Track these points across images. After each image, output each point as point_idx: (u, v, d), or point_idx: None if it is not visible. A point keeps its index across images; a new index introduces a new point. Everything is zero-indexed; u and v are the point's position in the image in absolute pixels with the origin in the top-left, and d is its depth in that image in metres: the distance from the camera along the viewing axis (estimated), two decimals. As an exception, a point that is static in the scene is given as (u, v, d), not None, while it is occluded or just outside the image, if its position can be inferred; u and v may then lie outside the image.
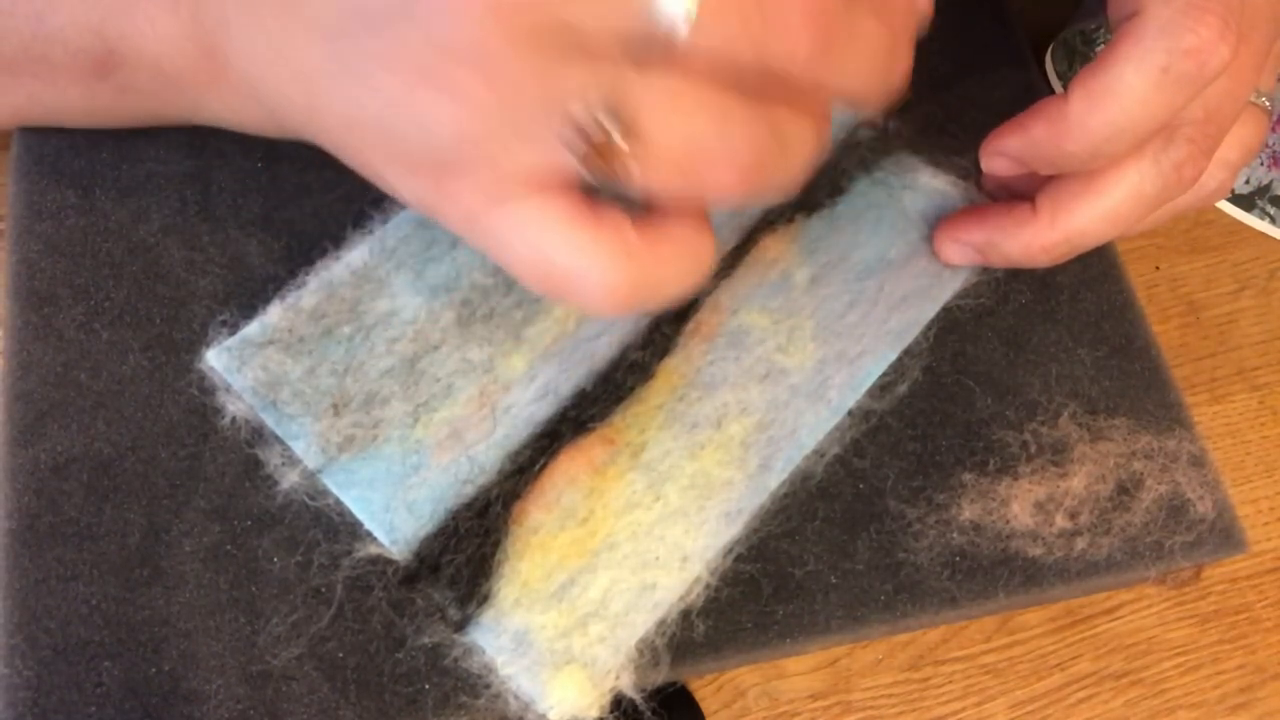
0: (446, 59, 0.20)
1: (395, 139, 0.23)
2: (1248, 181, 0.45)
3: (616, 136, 0.20)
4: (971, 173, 0.36)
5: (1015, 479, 0.33)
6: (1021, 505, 0.32)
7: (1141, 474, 0.33)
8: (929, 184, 0.36)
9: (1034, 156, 0.30)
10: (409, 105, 0.21)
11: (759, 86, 0.21)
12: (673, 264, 0.23)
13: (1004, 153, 0.31)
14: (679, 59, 0.20)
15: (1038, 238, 0.31)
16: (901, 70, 0.23)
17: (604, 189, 0.22)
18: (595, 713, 0.27)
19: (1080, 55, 0.45)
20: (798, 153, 0.22)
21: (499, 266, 0.32)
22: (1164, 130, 0.29)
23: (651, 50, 0.19)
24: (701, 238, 0.24)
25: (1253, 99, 0.31)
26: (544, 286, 0.23)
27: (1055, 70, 0.45)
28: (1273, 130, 0.44)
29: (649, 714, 0.28)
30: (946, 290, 0.34)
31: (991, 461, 0.33)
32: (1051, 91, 0.44)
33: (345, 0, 0.22)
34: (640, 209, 0.23)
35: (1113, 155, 0.29)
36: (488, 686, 0.28)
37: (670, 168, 0.21)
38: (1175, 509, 0.33)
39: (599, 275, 0.22)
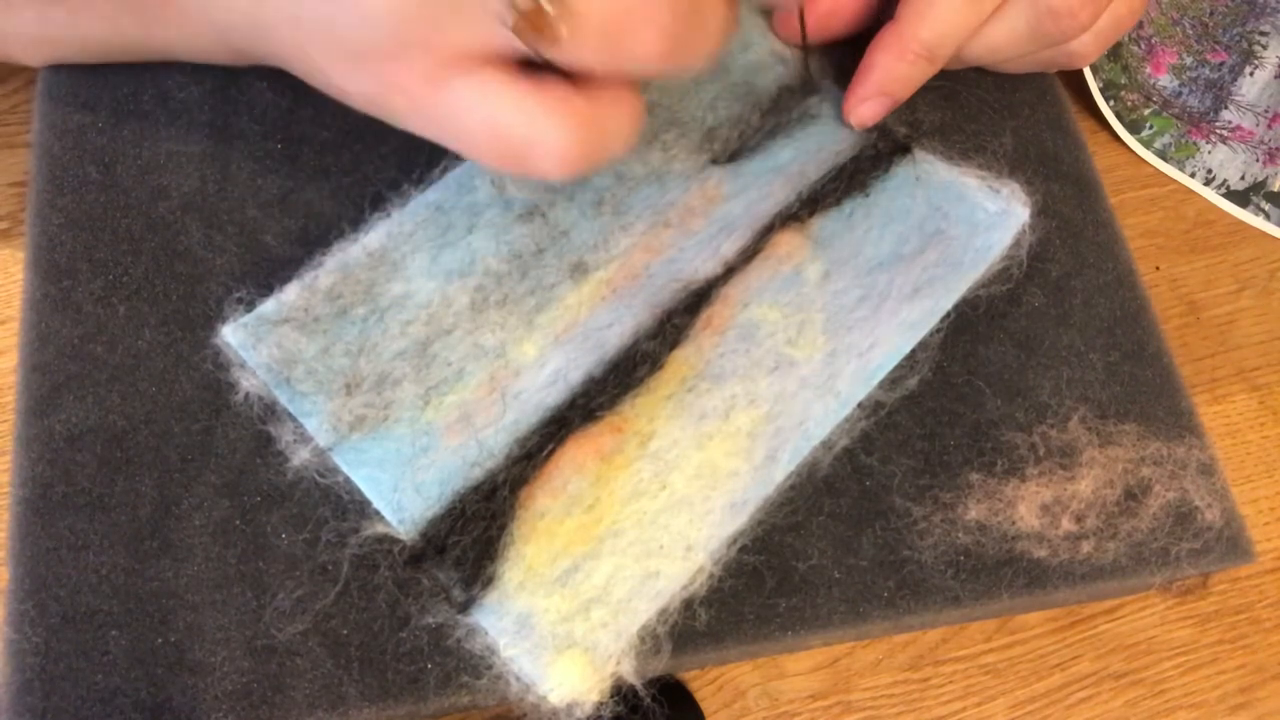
0: None
1: (336, 32, 0.24)
2: (1243, 177, 0.45)
3: (547, 4, 0.21)
4: (988, 176, 0.36)
5: (1023, 481, 0.32)
6: (1028, 507, 0.32)
7: (1150, 480, 0.33)
8: (945, 177, 0.36)
9: (888, 81, 0.35)
10: None
11: None
12: (614, 123, 0.25)
13: (865, 96, 0.35)
14: None
15: (907, 39, 0.34)
16: None
17: (539, 60, 0.23)
18: (595, 697, 0.27)
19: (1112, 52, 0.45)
20: (715, 25, 0.23)
21: (513, 254, 0.33)
22: None
23: None
24: (634, 97, 0.25)
25: None
26: (501, 159, 0.24)
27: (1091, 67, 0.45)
28: (1269, 127, 0.44)
29: (648, 700, 0.28)
30: (962, 283, 0.34)
31: (999, 462, 0.33)
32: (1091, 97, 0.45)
33: None
34: (572, 78, 0.24)
35: (945, 57, 0.34)
36: (490, 668, 0.28)
37: (597, 32, 0.22)
38: (1183, 516, 0.33)
39: (554, 139, 0.23)
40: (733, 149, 0.35)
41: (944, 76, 0.37)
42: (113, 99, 0.34)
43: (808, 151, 0.36)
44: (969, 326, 0.35)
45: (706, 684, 0.34)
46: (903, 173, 0.36)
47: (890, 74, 0.35)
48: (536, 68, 0.24)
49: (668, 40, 0.22)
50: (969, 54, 0.36)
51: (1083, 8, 0.34)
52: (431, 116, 0.24)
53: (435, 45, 0.23)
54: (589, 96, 0.24)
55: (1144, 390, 0.35)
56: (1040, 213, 0.36)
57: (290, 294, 0.31)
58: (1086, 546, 0.32)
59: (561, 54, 0.23)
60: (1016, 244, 0.35)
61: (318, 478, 0.29)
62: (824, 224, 0.35)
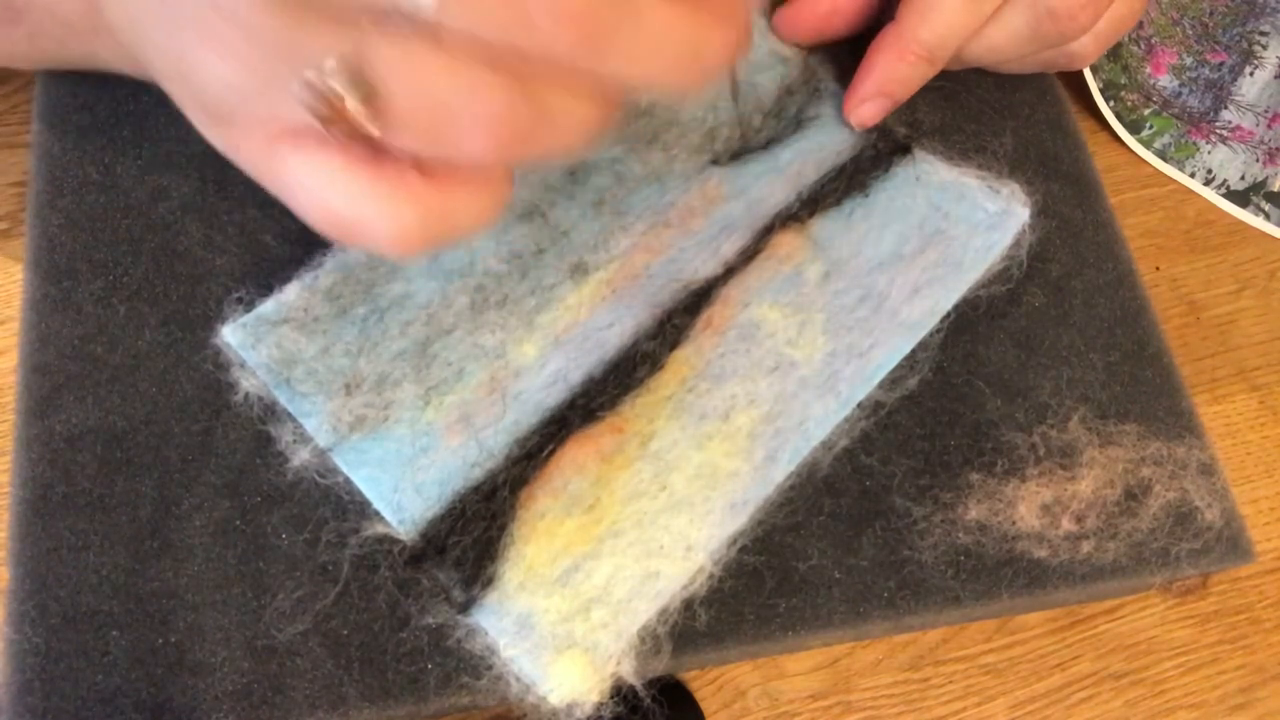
0: (218, 14, 0.21)
1: (190, 88, 0.24)
2: (1243, 178, 0.45)
3: (351, 101, 0.21)
4: (988, 177, 0.36)
5: (1023, 481, 0.32)
6: (1028, 507, 0.32)
7: (1150, 480, 0.33)
8: (945, 177, 0.36)
9: (888, 81, 0.35)
10: (193, 57, 0.22)
11: (522, 66, 0.21)
12: (460, 204, 0.23)
13: (865, 96, 0.35)
14: (431, 32, 0.20)
15: (908, 40, 0.34)
16: (717, 52, 0.22)
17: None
18: (595, 697, 0.27)
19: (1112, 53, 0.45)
20: (566, 126, 0.22)
21: (513, 254, 0.33)
22: None
23: (399, 22, 0.20)
24: (489, 178, 0.24)
25: None
26: (334, 234, 0.24)
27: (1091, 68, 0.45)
28: (1269, 127, 0.44)
29: (649, 701, 0.28)
30: (962, 283, 0.34)
31: (1000, 462, 0.33)
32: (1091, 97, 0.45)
33: None
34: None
35: (945, 58, 0.35)
36: (490, 668, 0.28)
37: (413, 130, 0.21)
38: (1183, 516, 0.33)
39: (385, 220, 0.22)
40: (733, 149, 0.35)
41: (944, 77, 0.37)
42: (112, 100, 0.34)
43: (808, 152, 0.36)
44: (969, 326, 0.35)
45: (706, 684, 0.34)
46: (903, 173, 0.36)
47: (890, 74, 0.35)
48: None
49: (498, 137, 0.21)
50: (969, 55, 0.36)
51: (1083, 9, 0.34)
52: (271, 185, 0.24)
53: (266, 119, 0.22)
54: (432, 178, 0.23)
55: (1144, 390, 0.35)
56: (1040, 213, 0.36)
57: (290, 294, 0.31)
58: (1087, 546, 0.32)
59: (385, 142, 0.22)
60: (1016, 244, 0.35)
61: (318, 478, 0.29)
62: (824, 224, 0.35)
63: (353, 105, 0.21)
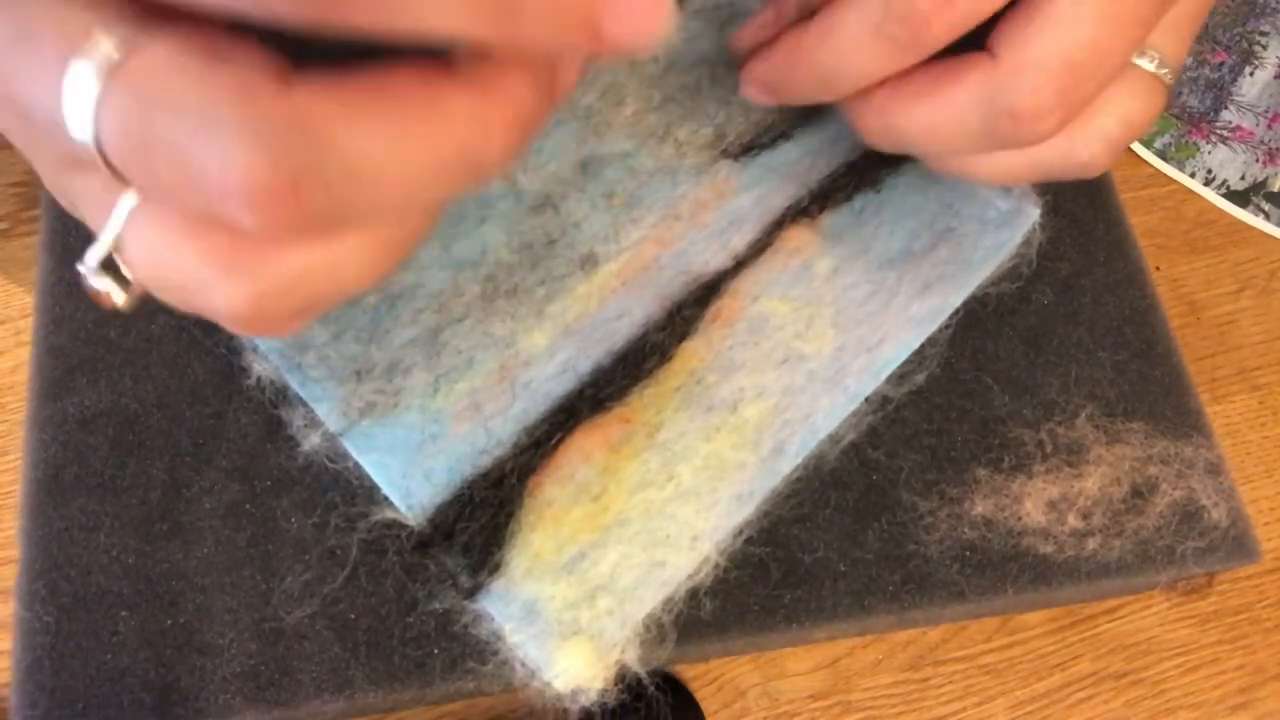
0: None
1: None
2: (1243, 178, 0.45)
3: (93, 281, 0.20)
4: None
5: (1029, 477, 0.33)
6: (1034, 503, 0.32)
7: (1156, 478, 0.33)
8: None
9: (779, 83, 0.30)
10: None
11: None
12: (310, 273, 0.20)
13: (754, 79, 0.31)
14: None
15: (863, 114, 0.30)
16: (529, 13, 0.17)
17: None
18: (599, 684, 0.27)
19: None
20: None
21: (524, 245, 0.33)
22: (998, 64, 0.27)
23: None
24: (339, 243, 0.20)
25: (1138, 61, 0.28)
26: (172, 301, 0.21)
27: None
28: (1269, 127, 0.44)
29: (652, 689, 0.28)
30: (972, 280, 0.34)
31: (1006, 459, 0.33)
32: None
33: None
34: None
35: (841, 92, 0.29)
36: (495, 653, 0.28)
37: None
38: (1189, 515, 0.33)
39: (216, 294, 0.20)
40: (745, 144, 0.35)
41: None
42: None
43: (819, 147, 0.36)
44: (978, 323, 0.35)
45: (707, 684, 0.34)
46: (914, 170, 0.36)
47: (779, 74, 0.30)
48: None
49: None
50: (907, 133, 0.29)
51: (1050, 113, 0.26)
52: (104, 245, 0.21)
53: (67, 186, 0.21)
54: (260, 254, 0.19)
55: (1152, 389, 0.35)
56: (1051, 211, 0.36)
57: (303, 281, 0.31)
58: (1092, 544, 0.32)
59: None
60: (1026, 243, 0.35)
61: (328, 463, 0.30)
62: (834, 219, 0.35)
63: (96, 285, 0.20)
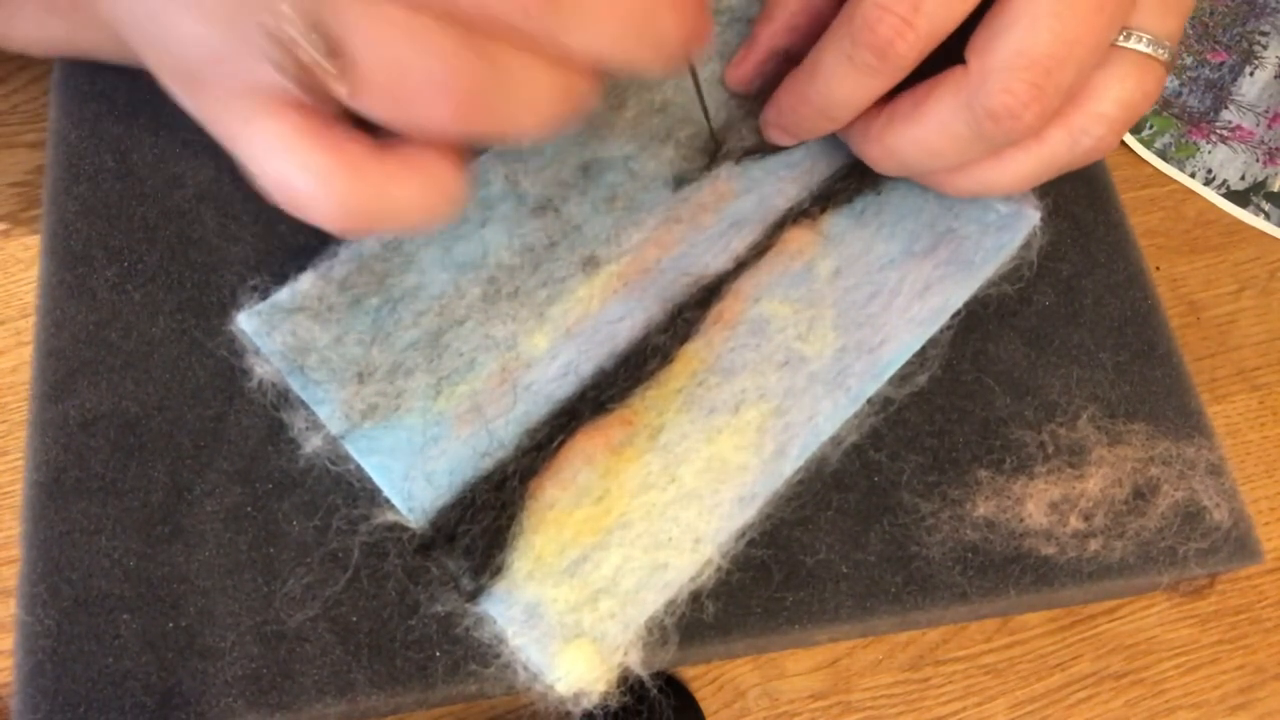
0: None
1: (162, 51, 0.24)
2: (1243, 177, 0.45)
3: (319, 56, 0.20)
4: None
5: (1031, 478, 0.33)
6: (1036, 505, 0.32)
7: (1158, 479, 0.33)
8: None
9: (791, 123, 0.33)
10: (164, 17, 0.22)
11: (490, 32, 0.21)
12: (407, 187, 0.23)
13: (769, 124, 0.34)
14: None
15: (864, 144, 0.32)
16: (669, 30, 0.22)
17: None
18: (602, 687, 0.27)
19: None
20: (529, 97, 0.22)
21: (526, 247, 0.33)
22: (970, 73, 0.28)
23: None
24: (443, 165, 0.24)
25: (1126, 43, 0.29)
26: (283, 203, 0.23)
27: None
28: (1269, 127, 0.44)
29: (654, 691, 0.28)
30: (973, 281, 0.34)
31: (1008, 460, 0.33)
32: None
33: None
34: (387, 133, 0.23)
35: (841, 120, 0.31)
36: (497, 656, 0.28)
37: (378, 91, 0.21)
38: (1191, 516, 0.33)
39: (325, 193, 0.22)
40: (746, 146, 0.35)
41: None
42: (128, 87, 0.34)
43: (820, 149, 0.36)
44: (979, 324, 0.35)
45: (707, 684, 0.34)
46: None
47: (788, 116, 0.33)
48: (348, 113, 0.23)
49: (459, 107, 0.21)
50: (906, 156, 0.31)
51: (1027, 107, 0.28)
52: (234, 147, 0.24)
53: (233, 81, 0.22)
54: (386, 156, 0.23)
55: (1153, 390, 0.35)
56: (1052, 213, 0.36)
57: (305, 283, 0.31)
58: (1094, 545, 0.32)
59: (354, 106, 0.22)
60: (1027, 244, 0.35)
61: (329, 465, 0.30)
62: (836, 221, 0.35)
63: (308, 56, 0.20)
